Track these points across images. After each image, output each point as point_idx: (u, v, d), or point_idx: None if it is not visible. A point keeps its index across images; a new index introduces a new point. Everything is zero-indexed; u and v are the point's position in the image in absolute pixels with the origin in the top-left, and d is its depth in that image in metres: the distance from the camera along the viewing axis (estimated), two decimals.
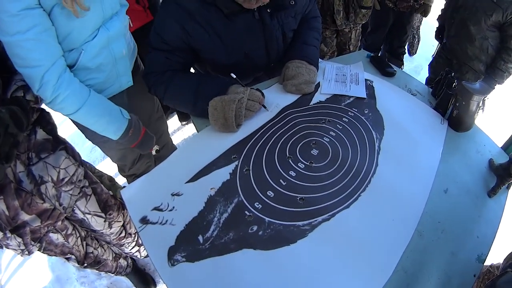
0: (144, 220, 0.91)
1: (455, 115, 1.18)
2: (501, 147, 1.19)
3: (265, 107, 1.19)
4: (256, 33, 1.23)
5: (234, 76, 1.18)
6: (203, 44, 1.19)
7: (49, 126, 1.16)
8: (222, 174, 1.00)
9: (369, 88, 1.33)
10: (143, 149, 1.41)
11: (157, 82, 1.21)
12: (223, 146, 1.08)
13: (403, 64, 2.77)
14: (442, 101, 1.25)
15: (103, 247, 1.53)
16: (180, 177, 1.00)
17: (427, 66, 2.51)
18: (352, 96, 1.28)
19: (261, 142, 1.09)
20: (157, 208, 0.94)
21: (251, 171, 1.00)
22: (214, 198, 0.94)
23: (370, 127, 1.15)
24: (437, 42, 2.37)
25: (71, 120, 1.26)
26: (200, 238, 0.86)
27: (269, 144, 1.08)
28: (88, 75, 1.19)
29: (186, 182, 0.99)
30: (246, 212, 0.90)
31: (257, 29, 1.22)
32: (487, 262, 0.92)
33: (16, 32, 0.94)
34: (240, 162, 1.03)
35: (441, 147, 1.12)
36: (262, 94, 1.17)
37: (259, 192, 0.94)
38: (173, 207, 0.93)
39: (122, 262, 1.65)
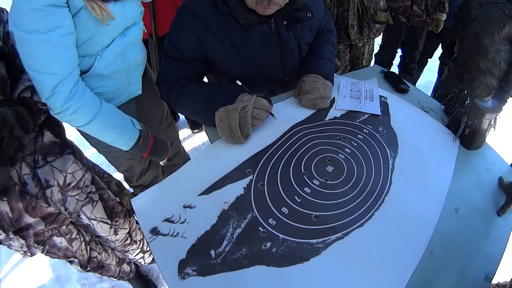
0: (155, 231, 0.90)
1: (467, 133, 1.18)
2: (510, 165, 1.19)
3: (272, 115, 1.18)
4: (272, 46, 1.22)
5: (240, 83, 1.17)
6: (218, 55, 1.19)
7: (57, 128, 1.14)
8: (236, 188, 0.98)
9: (384, 105, 1.32)
10: (158, 156, 1.38)
11: (170, 90, 1.20)
12: (237, 159, 1.07)
13: (414, 79, 2.78)
14: (454, 119, 1.24)
15: (107, 252, 1.52)
16: (193, 189, 0.99)
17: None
18: (367, 113, 1.27)
19: (276, 157, 1.08)
20: (168, 220, 0.92)
21: (265, 187, 0.99)
22: (227, 213, 0.92)
23: (385, 144, 1.14)
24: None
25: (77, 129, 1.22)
26: (212, 252, 0.84)
27: (284, 159, 1.07)
28: (100, 82, 1.16)
29: (199, 195, 0.98)
30: (260, 228, 0.89)
31: (273, 42, 1.22)
32: (493, 281, 0.91)
33: (34, 30, 0.87)
34: (254, 176, 1.02)
35: (453, 166, 1.12)
36: (270, 101, 1.15)
37: (273, 209, 0.93)
38: (185, 220, 0.92)
39: (126, 267, 1.64)
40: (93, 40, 1.03)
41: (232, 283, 0.79)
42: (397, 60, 2.76)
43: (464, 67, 2.12)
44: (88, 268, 1.44)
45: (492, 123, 1.15)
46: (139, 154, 1.30)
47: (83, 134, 1.30)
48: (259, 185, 0.99)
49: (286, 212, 0.92)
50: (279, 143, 1.13)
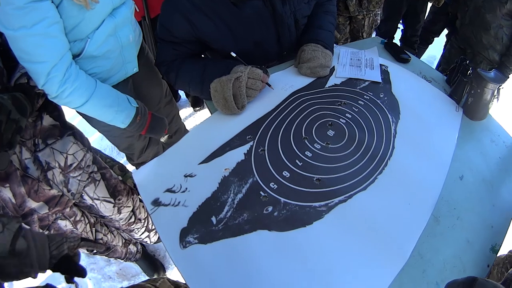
0: (156, 202, 0.90)
1: (470, 103, 1.16)
2: None
3: (269, 85, 1.17)
4: (266, 21, 1.19)
5: (234, 55, 1.16)
6: (211, 35, 1.17)
7: (56, 112, 1.14)
8: (237, 155, 0.98)
9: (384, 73, 1.30)
10: (156, 133, 1.38)
11: (168, 70, 1.22)
12: (237, 127, 1.06)
13: (416, 53, 2.71)
14: (456, 89, 1.22)
15: (112, 233, 1.52)
16: (193, 158, 0.99)
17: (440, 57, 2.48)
18: (368, 80, 1.26)
19: (276, 123, 1.07)
20: (169, 190, 0.92)
21: (266, 152, 0.98)
22: (228, 179, 0.92)
23: (386, 110, 1.13)
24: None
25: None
26: (214, 219, 0.84)
27: (284, 125, 1.06)
28: (94, 63, 1.17)
29: (200, 163, 0.97)
30: (261, 192, 0.88)
31: (267, 17, 1.18)
32: (503, 251, 0.90)
33: (21, 27, 0.90)
34: (255, 142, 1.01)
35: (457, 134, 1.10)
36: (266, 71, 1.14)
37: (274, 173, 0.93)
38: (186, 189, 0.92)
39: (132, 248, 1.65)
40: (81, 25, 1.04)
41: (234, 249, 0.79)
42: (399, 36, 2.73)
43: (466, 42, 2.08)
44: (95, 251, 1.45)
45: (495, 94, 1.13)
46: (137, 131, 1.30)
47: (84, 116, 1.31)
48: (259, 150, 0.99)
49: (287, 176, 0.92)
50: (279, 109, 1.12)
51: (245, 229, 0.82)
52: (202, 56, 1.36)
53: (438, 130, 1.10)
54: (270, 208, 0.85)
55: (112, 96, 1.17)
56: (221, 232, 0.82)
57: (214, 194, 0.89)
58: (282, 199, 0.87)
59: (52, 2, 0.94)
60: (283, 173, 0.92)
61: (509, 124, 1.23)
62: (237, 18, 1.14)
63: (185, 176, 0.95)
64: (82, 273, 0.86)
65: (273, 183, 0.90)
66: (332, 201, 0.86)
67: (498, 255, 0.90)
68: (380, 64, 1.34)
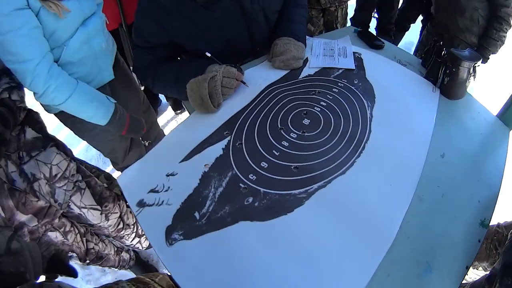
0: (141, 203, 0.91)
1: (446, 82, 1.17)
2: (496, 115, 1.16)
3: (244, 83, 1.18)
4: (236, 20, 1.21)
5: (209, 55, 1.18)
6: (183, 37, 1.19)
7: (38, 125, 1.18)
8: (215, 150, 0.99)
9: (358, 60, 1.32)
10: (135, 132, 1.46)
11: (145, 76, 1.25)
12: (214, 124, 1.08)
13: (392, 41, 2.71)
14: (432, 70, 1.23)
15: (104, 242, 1.52)
16: (174, 157, 1.00)
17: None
18: (341, 68, 1.27)
19: (252, 116, 1.09)
20: (153, 190, 0.93)
21: (243, 145, 1.00)
22: (208, 174, 0.93)
23: (361, 95, 1.14)
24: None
25: (60, 120, 1.40)
26: (197, 214, 0.85)
27: (260, 117, 1.08)
28: (71, 69, 1.25)
29: (180, 162, 0.98)
30: (241, 184, 0.90)
31: (237, 16, 1.20)
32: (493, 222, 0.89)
33: (8, 31, 1.01)
34: (232, 137, 1.02)
35: (435, 113, 1.11)
36: (240, 70, 1.16)
37: (252, 164, 0.94)
38: (169, 187, 0.93)
39: (125, 255, 1.65)
40: (57, 33, 1.15)
41: (218, 242, 0.80)
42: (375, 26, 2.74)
43: (443, 27, 2.08)
44: (88, 261, 1.44)
45: (471, 72, 1.13)
46: (118, 131, 1.38)
47: (67, 124, 1.42)
48: (237, 144, 1.00)
49: (265, 167, 0.93)
50: (254, 103, 1.14)
51: (227, 222, 0.83)
52: (178, 58, 1.37)
53: (415, 111, 1.11)
54: (250, 199, 0.86)
55: (92, 92, 1.27)
56: (205, 226, 0.83)
57: (195, 190, 0.90)
58: (262, 189, 0.88)
59: (32, 11, 1.06)
60: (261, 164, 0.94)
61: (489, 102, 1.24)
62: (207, 19, 1.16)
63: (167, 175, 0.96)
64: (73, 272, 0.88)
65: (252, 175, 0.91)
66: (311, 187, 0.88)
67: None
68: (353, 52, 1.35)
